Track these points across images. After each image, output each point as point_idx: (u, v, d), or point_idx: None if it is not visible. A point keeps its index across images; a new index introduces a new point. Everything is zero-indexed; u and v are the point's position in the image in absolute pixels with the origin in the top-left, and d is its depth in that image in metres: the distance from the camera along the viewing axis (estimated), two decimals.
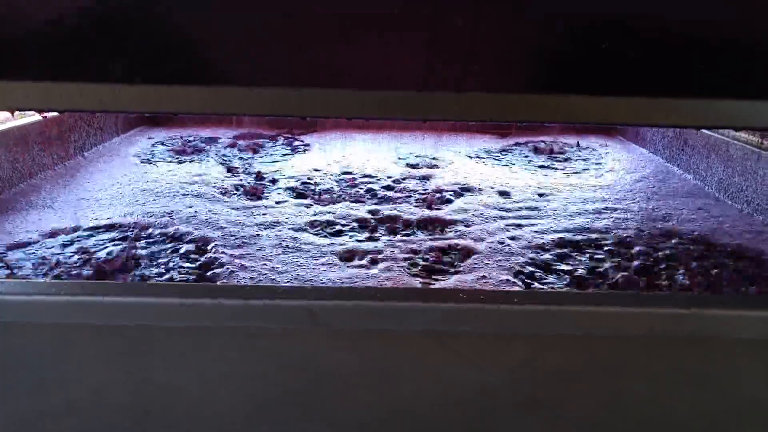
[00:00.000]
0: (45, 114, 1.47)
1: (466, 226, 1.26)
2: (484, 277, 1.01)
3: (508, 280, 1.01)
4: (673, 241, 1.20)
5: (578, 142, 2.12)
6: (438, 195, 1.48)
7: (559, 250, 1.14)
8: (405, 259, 1.09)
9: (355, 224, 1.26)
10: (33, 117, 1.51)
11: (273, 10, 0.65)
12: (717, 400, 0.72)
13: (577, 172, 1.75)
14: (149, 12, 0.65)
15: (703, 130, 1.64)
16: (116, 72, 0.66)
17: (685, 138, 1.75)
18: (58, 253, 1.08)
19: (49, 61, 0.66)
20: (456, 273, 1.04)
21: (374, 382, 0.72)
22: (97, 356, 0.71)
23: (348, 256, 1.09)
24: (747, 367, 0.71)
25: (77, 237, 1.16)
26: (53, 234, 1.17)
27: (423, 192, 1.51)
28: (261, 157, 1.86)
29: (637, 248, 1.15)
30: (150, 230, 1.20)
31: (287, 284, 0.97)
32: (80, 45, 0.65)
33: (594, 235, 1.21)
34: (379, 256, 1.09)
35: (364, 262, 1.07)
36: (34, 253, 1.08)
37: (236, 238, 1.15)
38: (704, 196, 1.51)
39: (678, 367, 0.71)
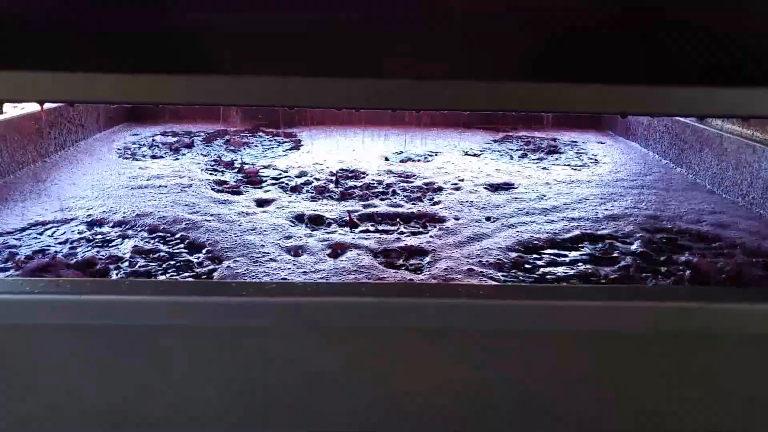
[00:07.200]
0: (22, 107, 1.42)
1: (455, 219, 1.23)
2: (471, 271, 0.99)
3: (501, 274, 0.98)
4: (676, 235, 1.18)
5: (568, 138, 2.10)
6: (428, 191, 1.45)
7: (553, 246, 1.12)
8: (390, 252, 1.06)
9: (345, 219, 1.23)
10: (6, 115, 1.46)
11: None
12: (723, 397, 0.69)
13: (569, 166, 1.73)
14: None
15: (697, 124, 1.63)
16: (94, 60, 0.62)
17: (677, 132, 1.74)
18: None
19: (22, 49, 0.62)
20: (441, 263, 1.01)
21: (366, 381, 0.69)
22: (73, 358, 0.68)
23: (337, 252, 1.06)
24: (755, 364, 0.68)
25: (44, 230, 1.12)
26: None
27: (413, 188, 1.48)
28: (248, 152, 1.82)
29: (636, 243, 1.13)
30: (130, 225, 1.15)
31: (275, 280, 0.93)
32: (56, 32, 0.62)
33: (590, 230, 1.19)
34: (368, 252, 1.06)
35: (352, 256, 1.04)
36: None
37: (223, 233, 1.11)
38: (698, 189, 1.49)
39: (681, 365, 0.69)
